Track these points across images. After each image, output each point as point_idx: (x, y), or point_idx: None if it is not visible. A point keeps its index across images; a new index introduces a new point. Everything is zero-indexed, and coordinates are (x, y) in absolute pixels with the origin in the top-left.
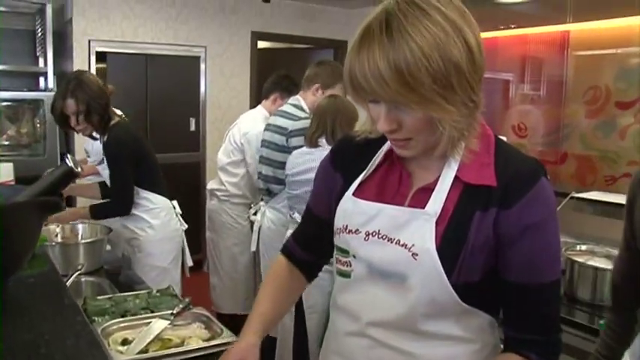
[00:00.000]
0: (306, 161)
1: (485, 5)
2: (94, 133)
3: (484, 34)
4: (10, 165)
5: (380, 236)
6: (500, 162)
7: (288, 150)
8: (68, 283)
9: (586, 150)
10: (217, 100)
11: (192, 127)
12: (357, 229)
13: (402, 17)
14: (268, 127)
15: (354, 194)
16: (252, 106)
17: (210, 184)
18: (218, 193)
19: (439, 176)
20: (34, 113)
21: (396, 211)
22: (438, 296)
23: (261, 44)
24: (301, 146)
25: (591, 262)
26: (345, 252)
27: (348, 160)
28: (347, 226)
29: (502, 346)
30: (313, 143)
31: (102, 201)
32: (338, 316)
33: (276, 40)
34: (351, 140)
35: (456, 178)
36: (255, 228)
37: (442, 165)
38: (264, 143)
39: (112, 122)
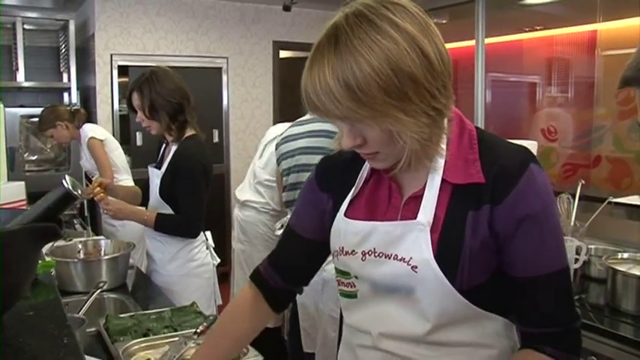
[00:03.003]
0: None
1: (509, 7)
2: (167, 136)
3: (508, 37)
4: (22, 184)
5: (376, 254)
6: (485, 156)
7: None
8: (90, 301)
9: (620, 152)
10: (240, 110)
11: (216, 139)
12: (353, 250)
13: (350, 31)
14: (312, 134)
15: (345, 214)
16: (275, 116)
17: (245, 196)
18: (256, 206)
19: (427, 182)
20: None
21: (389, 227)
22: (448, 304)
23: (283, 53)
24: None
25: (635, 271)
26: (346, 274)
27: (334, 180)
28: (343, 247)
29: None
30: None
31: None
32: (349, 332)
33: (297, 49)
34: (333, 159)
35: (444, 180)
36: None
37: (428, 170)
38: (307, 150)
39: (189, 134)
